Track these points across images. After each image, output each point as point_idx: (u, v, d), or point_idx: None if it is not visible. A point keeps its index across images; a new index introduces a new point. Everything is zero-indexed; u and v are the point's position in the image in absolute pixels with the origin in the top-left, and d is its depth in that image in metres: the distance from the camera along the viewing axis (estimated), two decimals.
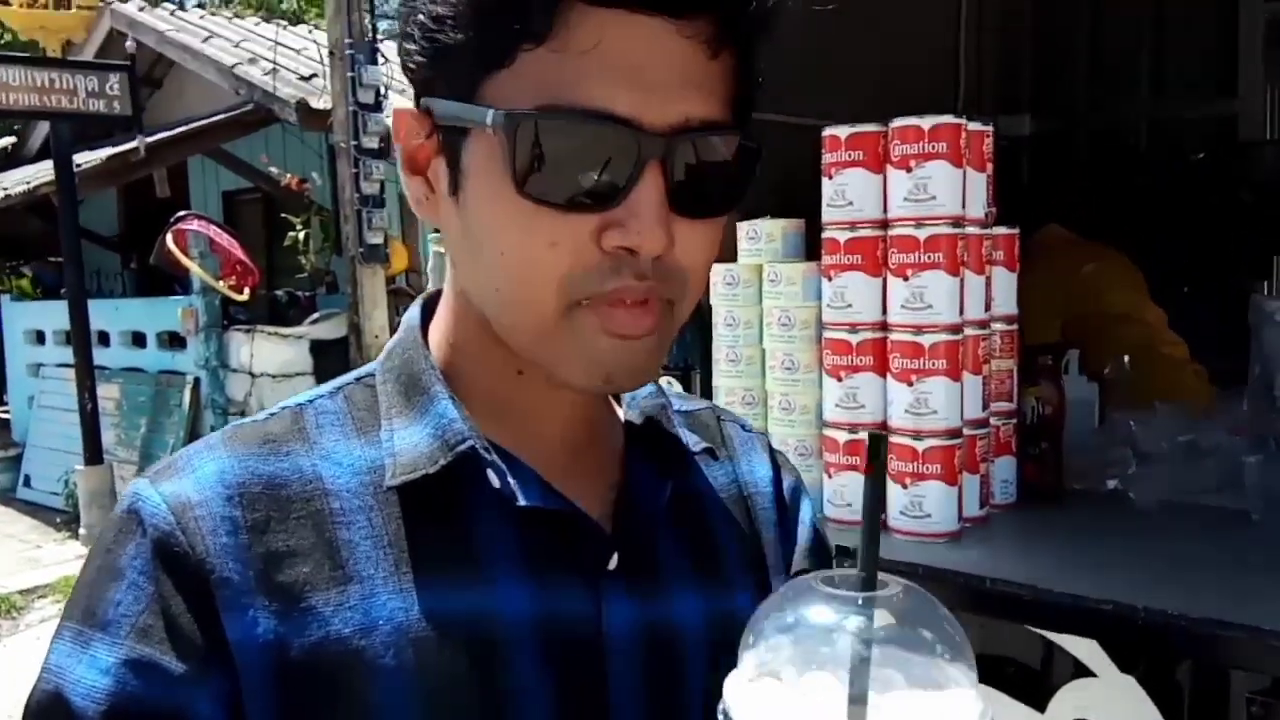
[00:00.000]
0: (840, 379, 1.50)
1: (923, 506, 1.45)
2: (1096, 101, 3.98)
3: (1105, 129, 4.05)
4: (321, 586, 0.65)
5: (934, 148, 1.40)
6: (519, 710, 0.66)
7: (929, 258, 1.41)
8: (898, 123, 1.44)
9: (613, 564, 0.69)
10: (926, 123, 1.41)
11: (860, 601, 0.50)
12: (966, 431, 1.47)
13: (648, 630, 0.70)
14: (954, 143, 1.41)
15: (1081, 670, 1.41)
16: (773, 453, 0.87)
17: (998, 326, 1.54)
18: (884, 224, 1.46)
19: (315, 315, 6.96)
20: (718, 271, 1.65)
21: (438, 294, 0.79)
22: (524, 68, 0.62)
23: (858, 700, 0.47)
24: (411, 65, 0.68)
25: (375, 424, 0.72)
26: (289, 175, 7.57)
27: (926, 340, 1.42)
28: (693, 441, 0.77)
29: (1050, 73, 3.98)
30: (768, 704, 0.51)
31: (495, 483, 0.68)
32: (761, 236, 1.64)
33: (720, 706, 0.53)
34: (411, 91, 0.71)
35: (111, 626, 0.63)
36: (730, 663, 0.56)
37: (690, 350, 1.75)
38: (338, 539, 0.66)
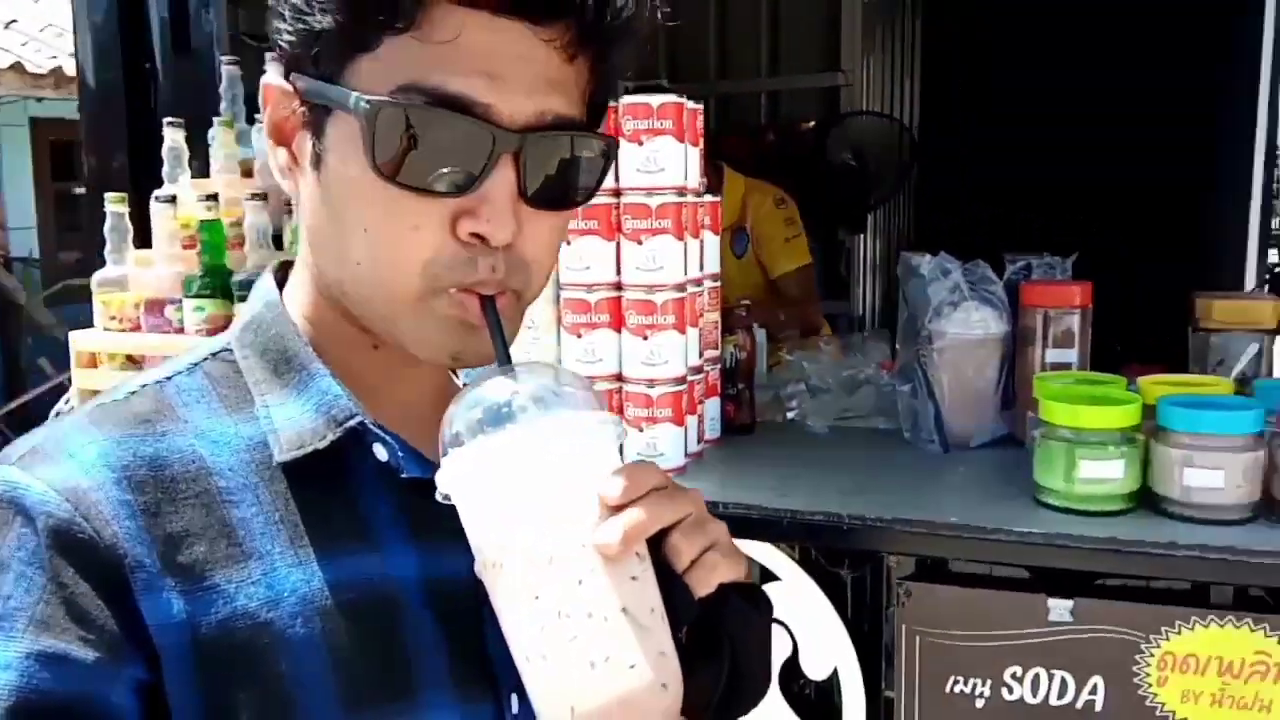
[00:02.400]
0: (579, 335, 1.63)
1: (657, 446, 1.63)
2: (723, 73, 4.39)
3: (732, 97, 4.49)
4: (222, 565, 0.66)
5: (662, 124, 1.56)
6: (420, 665, 0.71)
7: (660, 224, 1.57)
8: (628, 100, 1.57)
9: None
10: (654, 100, 1.56)
11: (501, 374, 0.66)
12: (689, 378, 1.66)
13: None
14: (678, 119, 1.57)
15: (769, 576, 1.65)
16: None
17: (707, 284, 1.75)
18: (617, 193, 1.60)
19: None
20: None
21: (285, 265, 0.81)
22: (387, 53, 0.66)
23: (507, 420, 0.63)
24: (281, 42, 0.70)
25: (245, 401, 0.73)
26: None
27: (659, 298, 1.59)
28: None
29: (683, 46, 4.33)
30: (455, 460, 0.65)
31: (383, 456, 0.72)
32: None
33: (439, 496, 0.66)
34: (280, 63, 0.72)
35: (4, 620, 0.62)
36: None
37: None
38: (230, 518, 0.68)
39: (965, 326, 1.74)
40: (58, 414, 1.83)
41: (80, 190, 7.38)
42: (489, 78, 0.65)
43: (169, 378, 0.73)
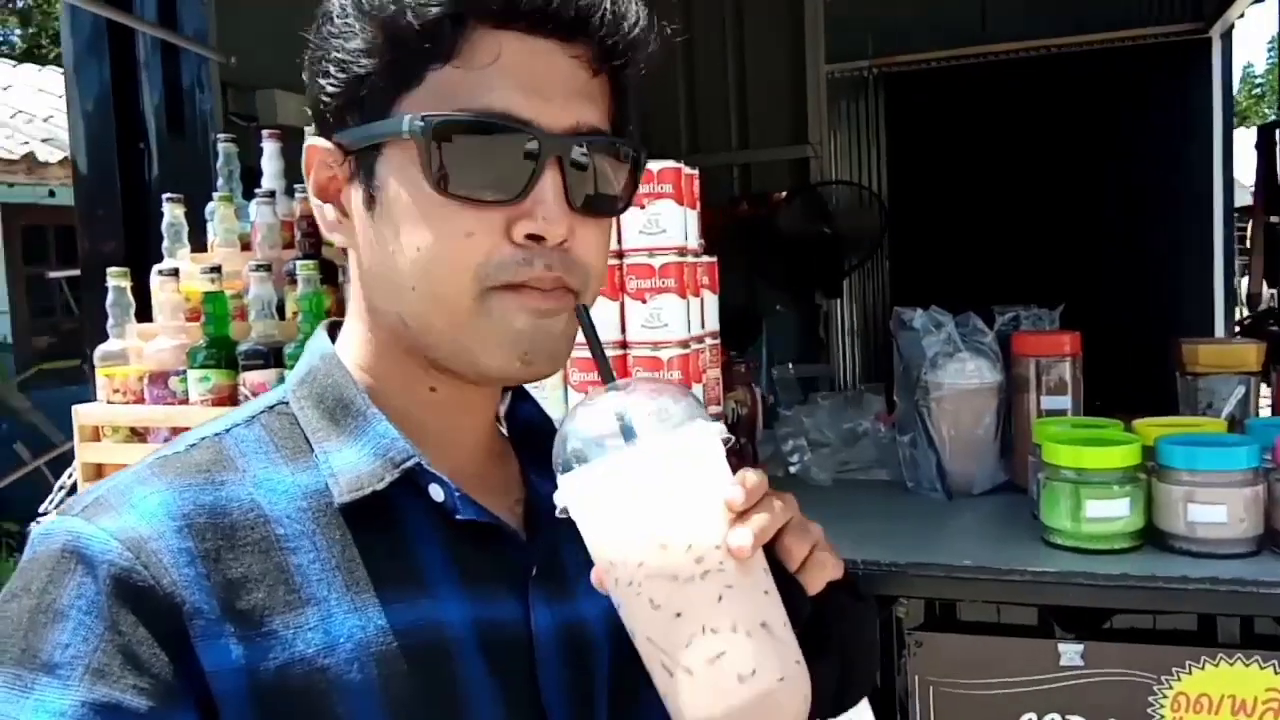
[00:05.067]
0: (587, 393, 1.65)
1: None
2: (696, 145, 4.51)
3: (704, 169, 4.59)
4: (280, 610, 0.67)
5: (662, 188, 1.61)
6: (472, 711, 0.71)
7: (663, 283, 1.61)
8: None
9: (533, 571, 0.76)
10: (655, 166, 1.61)
11: (611, 390, 0.67)
12: None
13: (564, 629, 0.77)
14: (677, 184, 1.62)
15: None
16: None
17: (709, 341, 1.78)
18: (620, 254, 1.64)
19: None
20: None
21: (336, 323, 0.83)
22: (432, 85, 0.69)
23: (628, 435, 0.65)
24: (325, 100, 0.73)
25: (302, 450, 0.74)
26: None
27: (664, 354, 1.62)
28: None
29: (656, 121, 4.44)
30: (580, 477, 0.66)
31: (438, 497, 0.73)
32: None
33: (558, 511, 0.67)
34: (315, 127, 0.75)
35: (61, 669, 0.62)
36: (622, 651, 0.72)
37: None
38: (288, 564, 0.69)
39: (961, 376, 1.79)
40: (61, 488, 1.81)
41: (53, 275, 7.38)
42: (529, 92, 0.69)
43: (227, 430, 0.74)
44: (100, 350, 1.93)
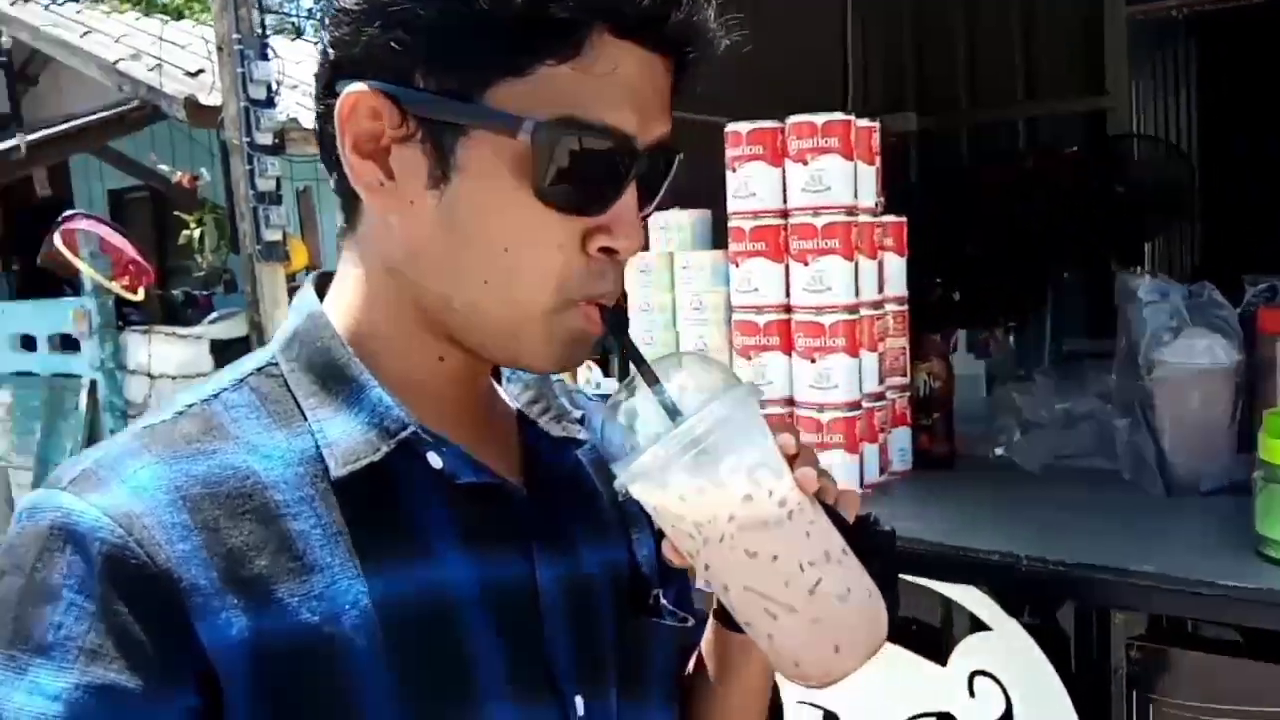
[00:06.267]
0: (749, 358, 1.60)
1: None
2: (976, 99, 4.19)
3: (986, 125, 4.28)
4: (284, 578, 0.66)
5: (827, 142, 1.51)
6: (479, 671, 0.70)
7: (826, 244, 1.52)
8: (793, 119, 1.54)
9: (536, 528, 0.75)
10: (819, 119, 1.52)
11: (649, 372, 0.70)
12: (865, 404, 1.58)
13: (568, 583, 0.76)
14: (845, 138, 1.52)
15: (978, 625, 1.52)
16: None
17: (890, 307, 1.66)
18: (784, 213, 1.56)
19: (214, 315, 6.77)
20: (632, 262, 1.74)
21: (325, 277, 0.80)
22: (542, 80, 0.66)
23: (674, 414, 0.67)
24: (394, 49, 0.67)
25: (294, 415, 0.72)
26: (180, 172, 7.36)
27: (827, 320, 1.53)
28: (572, 413, 0.84)
29: (933, 74, 4.18)
30: (644, 460, 0.67)
31: (438, 464, 0.71)
32: (672, 227, 1.73)
33: (620, 497, 0.71)
34: (346, 67, 0.68)
35: (55, 650, 0.61)
36: (624, 604, 0.79)
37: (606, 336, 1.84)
38: (290, 530, 0.67)
39: (1189, 355, 1.55)
40: None
41: None
42: (637, 109, 0.69)
43: (215, 395, 0.73)
44: None
